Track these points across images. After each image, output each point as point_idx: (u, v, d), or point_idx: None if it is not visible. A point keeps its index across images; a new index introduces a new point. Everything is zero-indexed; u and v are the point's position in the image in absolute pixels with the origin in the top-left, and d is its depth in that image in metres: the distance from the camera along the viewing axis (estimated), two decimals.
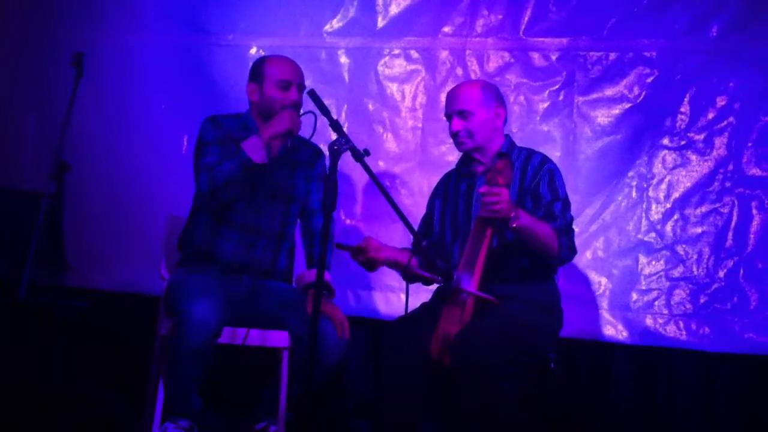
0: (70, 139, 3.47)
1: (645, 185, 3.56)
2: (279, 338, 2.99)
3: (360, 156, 2.62)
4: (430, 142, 3.78)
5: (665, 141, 3.55)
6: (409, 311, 2.90)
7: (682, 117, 3.54)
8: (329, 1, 3.91)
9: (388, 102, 3.84)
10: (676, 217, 3.51)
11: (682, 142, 3.53)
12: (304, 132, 3.05)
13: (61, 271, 4.01)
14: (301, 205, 3.19)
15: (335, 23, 3.91)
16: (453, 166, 3.21)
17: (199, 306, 2.75)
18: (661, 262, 3.51)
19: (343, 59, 3.89)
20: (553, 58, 3.68)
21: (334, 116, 2.72)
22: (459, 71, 3.77)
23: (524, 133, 3.60)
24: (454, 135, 3.00)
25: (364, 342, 3.70)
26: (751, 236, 3.43)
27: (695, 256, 3.48)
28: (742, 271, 3.42)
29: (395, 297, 3.70)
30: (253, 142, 2.93)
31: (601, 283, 3.56)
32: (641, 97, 3.57)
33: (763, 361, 3.38)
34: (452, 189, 3.11)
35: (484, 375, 2.59)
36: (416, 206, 3.65)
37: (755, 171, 3.45)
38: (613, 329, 3.52)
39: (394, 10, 3.85)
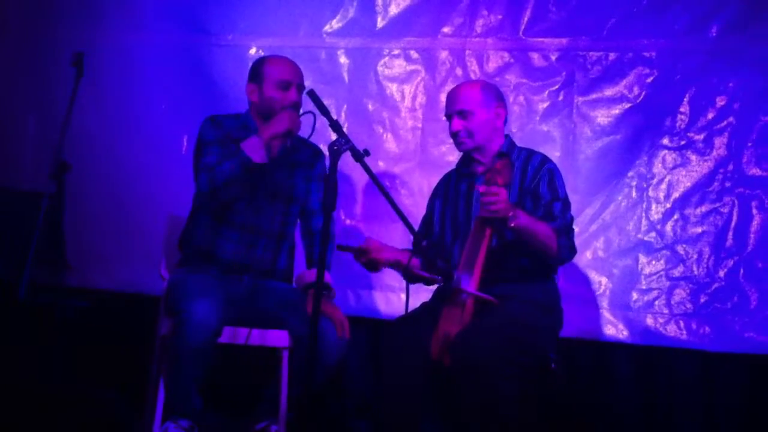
0: (70, 139, 3.47)
1: (645, 185, 3.56)
2: (279, 338, 2.99)
3: (360, 156, 2.62)
4: (430, 142, 3.78)
5: (665, 141, 3.55)
6: (409, 311, 2.90)
7: (682, 117, 3.54)
8: (329, 1, 3.91)
9: (388, 102, 3.84)
10: (676, 216, 3.51)
11: (682, 142, 3.54)
12: (304, 132, 3.05)
13: (61, 271, 4.01)
14: (301, 205, 3.19)
15: (335, 23, 3.91)
16: (453, 167, 3.21)
17: (199, 306, 2.75)
18: (662, 261, 3.51)
19: (343, 59, 3.89)
20: (553, 58, 3.68)
21: (334, 116, 2.72)
22: (459, 71, 3.77)
23: (524, 133, 3.60)
24: (454, 135, 3.00)
25: (365, 342, 3.70)
26: (751, 236, 3.44)
27: (695, 256, 3.48)
28: (742, 271, 3.42)
29: (395, 297, 3.71)
30: (253, 142, 2.93)
31: (601, 282, 3.56)
32: (641, 97, 3.58)
33: (764, 361, 3.38)
34: (452, 189, 3.11)
35: (483, 375, 2.59)
36: (416, 206, 3.65)
37: (755, 171, 3.46)
38: (614, 329, 3.52)
39: (393, 10, 3.85)
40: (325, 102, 2.74)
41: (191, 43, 4.05)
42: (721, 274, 3.45)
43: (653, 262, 3.52)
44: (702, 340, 3.44)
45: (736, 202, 3.46)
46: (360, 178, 3.78)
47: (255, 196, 3.07)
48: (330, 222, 2.59)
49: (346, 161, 2.70)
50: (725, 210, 3.47)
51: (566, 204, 2.93)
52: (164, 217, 3.36)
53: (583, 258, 3.56)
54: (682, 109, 3.54)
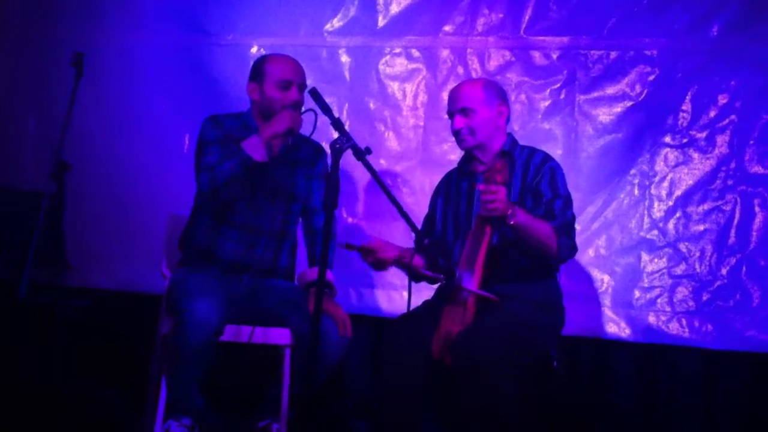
0: (70, 139, 3.47)
1: (647, 183, 3.56)
2: (281, 336, 2.98)
3: (361, 154, 2.62)
4: (432, 140, 3.78)
5: (667, 139, 3.55)
6: (411, 309, 2.90)
7: (684, 115, 3.54)
8: (330, 0, 3.91)
9: (390, 101, 3.84)
10: (678, 214, 3.51)
11: (684, 140, 3.54)
12: (305, 130, 3.05)
13: (62, 270, 4.01)
14: (302, 204, 3.19)
15: (336, 22, 3.91)
16: (454, 165, 3.21)
17: (200, 305, 2.75)
18: (664, 259, 3.51)
19: (344, 58, 3.89)
20: (554, 56, 3.68)
21: (336, 115, 2.71)
22: (460, 70, 3.77)
23: (526, 132, 3.59)
24: (456, 133, 3.00)
25: (366, 340, 3.70)
26: (754, 234, 3.44)
27: (698, 254, 3.48)
28: (744, 269, 3.42)
29: (397, 295, 3.70)
30: (254, 142, 2.93)
31: (603, 280, 3.56)
32: (643, 96, 3.58)
33: (765, 359, 3.38)
34: (454, 188, 3.11)
35: (484, 375, 2.59)
36: (418, 205, 3.64)
37: (757, 169, 3.45)
38: (616, 327, 3.52)
39: (394, 9, 3.85)
40: (327, 100, 2.73)
41: (192, 42, 4.05)
42: (724, 271, 3.45)
43: (655, 260, 3.52)
44: (704, 338, 3.44)
45: (738, 199, 3.46)
46: (362, 176, 3.78)
47: (255, 195, 3.07)
48: (332, 220, 2.59)
49: (348, 159, 2.70)
50: (727, 208, 3.47)
51: (567, 202, 2.92)
52: (165, 217, 3.36)
53: (585, 256, 3.56)
54: (684, 107, 3.54)
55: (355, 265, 3.67)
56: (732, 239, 3.45)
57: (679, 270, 3.49)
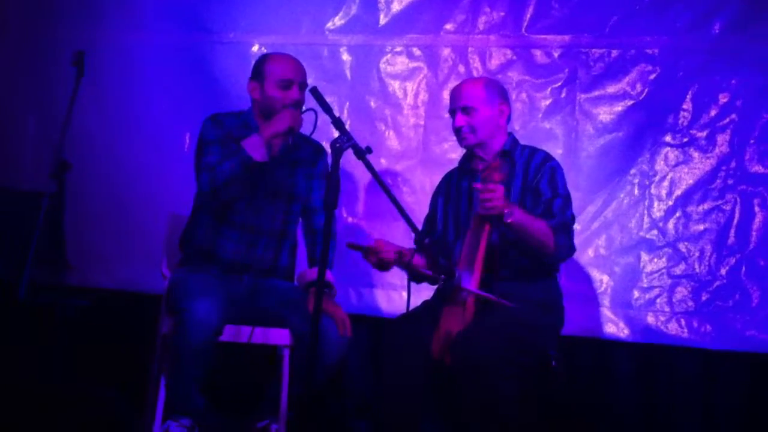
0: (71, 138, 3.47)
1: (647, 182, 3.55)
2: (280, 336, 2.98)
3: (362, 154, 2.62)
4: (432, 139, 3.77)
5: (667, 138, 3.55)
6: (410, 309, 2.90)
7: (685, 114, 3.54)
8: None
9: (390, 99, 3.84)
10: (678, 214, 3.51)
11: (685, 140, 3.53)
12: (306, 129, 3.04)
13: (62, 270, 4.01)
14: (302, 203, 3.19)
15: (337, 21, 3.90)
16: (455, 164, 3.21)
17: (200, 305, 2.75)
18: (663, 259, 3.51)
19: (345, 57, 3.89)
20: (555, 55, 3.68)
21: (336, 114, 2.71)
22: (461, 69, 3.77)
23: (526, 131, 3.59)
24: (457, 130, 3.00)
25: (366, 340, 3.70)
26: (754, 233, 3.43)
27: (697, 254, 3.48)
28: (744, 269, 3.42)
29: (397, 295, 3.70)
30: (254, 141, 2.93)
31: (602, 280, 3.56)
32: (643, 95, 3.57)
33: (765, 359, 3.38)
34: (454, 187, 3.11)
35: (484, 374, 2.59)
36: (418, 204, 3.65)
37: (758, 168, 3.45)
38: (615, 327, 3.52)
39: (396, 7, 3.85)
40: (328, 99, 2.73)
41: (192, 41, 4.05)
42: (723, 271, 3.44)
43: (655, 260, 3.52)
44: (703, 339, 3.43)
45: (738, 199, 3.45)
46: (362, 175, 3.78)
47: (255, 195, 3.07)
48: (332, 220, 2.59)
49: (348, 159, 2.69)
50: (727, 207, 3.46)
51: (567, 201, 2.92)
52: (165, 217, 3.36)
53: (585, 256, 3.56)
54: (684, 107, 3.54)
55: (354, 265, 3.68)
56: (732, 239, 3.44)
57: (679, 270, 3.48)
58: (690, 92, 3.53)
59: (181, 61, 4.06)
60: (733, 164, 3.47)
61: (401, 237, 3.42)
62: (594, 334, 3.53)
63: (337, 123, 2.66)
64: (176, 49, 4.07)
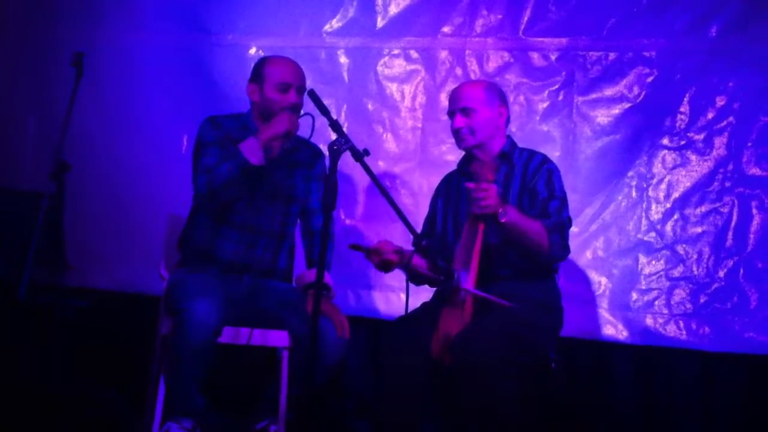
0: (70, 139, 3.47)
1: (645, 185, 3.56)
2: (279, 338, 2.99)
3: (360, 156, 2.62)
4: (430, 142, 3.78)
5: (665, 141, 3.55)
6: (409, 311, 2.91)
7: (682, 117, 3.54)
8: (329, 1, 3.91)
9: (388, 102, 3.84)
10: (676, 216, 3.51)
11: (682, 142, 3.54)
12: (303, 132, 3.05)
13: (61, 271, 4.01)
14: (301, 205, 3.19)
15: (335, 23, 3.91)
16: (453, 166, 3.22)
17: (199, 305, 2.75)
18: (661, 261, 3.51)
19: (343, 59, 3.89)
20: (553, 58, 3.68)
21: (334, 116, 2.72)
22: (458, 71, 3.77)
23: (524, 133, 3.59)
24: (456, 132, 3.01)
25: (364, 342, 3.70)
26: (751, 236, 3.44)
27: (695, 256, 3.48)
28: (742, 271, 3.42)
29: (395, 297, 3.70)
30: (251, 144, 2.93)
31: (601, 282, 3.56)
32: (641, 97, 3.57)
33: (763, 361, 3.38)
34: (454, 188, 3.12)
35: (483, 375, 2.59)
36: (416, 206, 3.66)
37: (755, 171, 3.45)
38: (613, 329, 3.52)
39: (393, 10, 3.85)
40: (325, 102, 2.74)
41: (191, 42, 4.05)
42: (721, 274, 3.45)
43: (653, 262, 3.52)
44: (702, 341, 3.43)
45: (735, 202, 3.46)
46: (360, 177, 3.78)
47: (255, 196, 3.07)
48: (330, 222, 2.60)
49: (346, 161, 2.70)
50: (725, 210, 3.47)
51: (563, 203, 2.93)
52: (164, 217, 3.36)
53: (583, 258, 3.57)
54: (682, 109, 3.54)
55: (353, 267, 3.69)
56: (729, 241, 3.44)
57: (677, 272, 3.49)
58: (687, 95, 3.53)
59: (180, 62, 4.06)
60: (730, 167, 3.47)
61: (399, 239, 3.40)
62: (593, 336, 3.53)
63: (335, 125, 2.67)
64: (175, 49, 4.08)
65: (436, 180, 3.27)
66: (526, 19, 3.71)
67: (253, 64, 3.19)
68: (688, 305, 3.46)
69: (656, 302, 3.49)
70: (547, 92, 3.68)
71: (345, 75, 3.89)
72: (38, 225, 3.43)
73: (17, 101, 4.20)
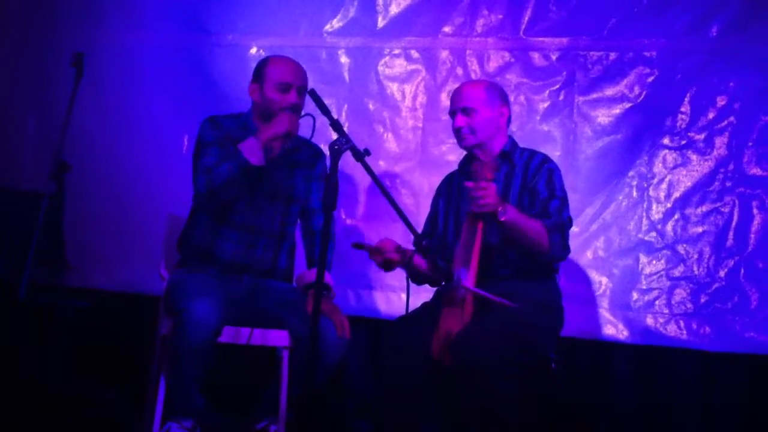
0: (70, 139, 3.46)
1: (645, 185, 3.56)
2: (279, 337, 2.99)
3: (360, 156, 2.62)
4: (431, 141, 3.78)
5: (666, 141, 3.55)
6: (409, 311, 2.91)
7: (683, 117, 3.54)
8: (329, 1, 3.91)
9: (389, 102, 3.84)
10: (676, 216, 3.51)
11: (683, 142, 3.54)
12: (304, 133, 3.05)
13: (61, 271, 4.01)
14: (301, 205, 3.19)
15: (335, 23, 3.91)
16: (453, 166, 3.23)
17: (199, 305, 2.75)
18: (662, 261, 3.51)
19: (344, 59, 3.89)
20: (554, 57, 3.68)
21: (335, 116, 2.72)
22: (459, 71, 3.77)
23: (524, 133, 3.59)
24: (457, 131, 3.01)
25: (365, 342, 3.70)
26: (752, 236, 3.43)
27: (696, 256, 3.48)
28: (742, 271, 3.42)
29: (396, 297, 3.70)
30: (251, 144, 2.93)
31: (601, 282, 3.56)
32: (641, 97, 3.57)
33: (764, 361, 3.38)
34: (455, 188, 3.12)
35: (483, 375, 2.59)
36: (417, 206, 3.66)
37: (756, 170, 3.45)
38: (614, 329, 3.52)
39: (394, 10, 3.85)
40: (326, 101, 2.73)
41: (191, 42, 4.05)
42: (722, 274, 3.45)
43: (654, 262, 3.52)
44: (702, 340, 3.43)
45: (736, 201, 3.46)
46: (361, 177, 3.78)
47: (255, 196, 3.07)
48: (330, 221, 2.59)
49: (347, 161, 2.70)
50: (726, 210, 3.47)
51: (564, 203, 2.93)
52: (164, 217, 3.36)
53: (584, 257, 3.57)
54: (682, 109, 3.54)
55: (353, 267, 3.69)
56: (730, 241, 3.44)
57: (678, 272, 3.49)
58: (688, 95, 3.53)
59: (181, 61, 4.06)
60: (731, 167, 3.47)
61: (400, 239, 3.38)
62: (593, 336, 3.53)
63: (336, 125, 2.67)
64: (175, 49, 4.07)
65: (436, 180, 3.27)
66: (526, 19, 3.71)
67: (253, 64, 3.19)
68: (689, 305, 3.46)
69: (657, 302, 3.49)
70: (547, 92, 3.68)
71: (346, 75, 3.89)
72: (38, 225, 3.43)
73: (17, 101, 4.20)
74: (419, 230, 2.99)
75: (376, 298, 3.76)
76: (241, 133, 3.04)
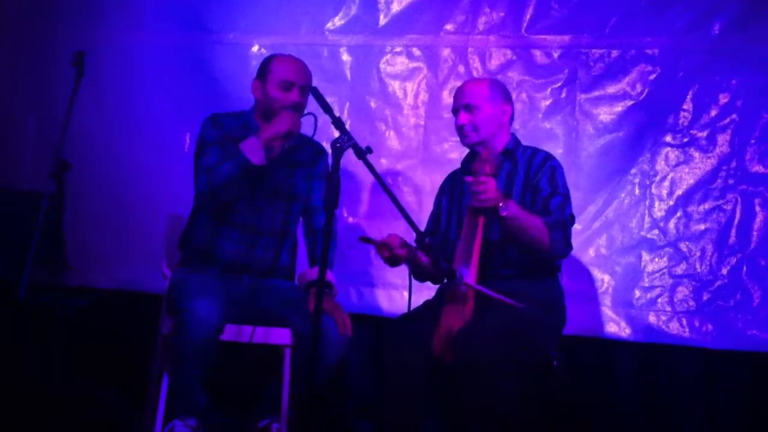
0: (71, 138, 3.46)
1: (648, 182, 3.55)
2: (281, 336, 2.98)
3: (362, 153, 2.61)
4: (433, 139, 3.78)
5: (668, 138, 3.55)
6: (411, 309, 2.90)
7: (685, 114, 3.54)
8: None
9: (391, 100, 3.84)
10: (679, 214, 3.51)
11: (685, 140, 3.53)
12: (306, 131, 3.05)
13: (61, 270, 4.00)
14: (303, 203, 3.18)
15: (337, 21, 3.91)
16: (455, 164, 3.22)
17: (200, 304, 2.76)
18: (664, 259, 3.51)
19: (345, 57, 3.89)
20: (555, 55, 3.68)
21: (336, 114, 2.71)
22: (461, 69, 3.77)
23: (526, 131, 3.59)
24: (459, 128, 3.01)
25: (367, 340, 3.69)
26: (754, 233, 3.43)
27: (698, 253, 3.48)
28: (745, 268, 3.42)
29: (398, 294, 3.70)
30: (252, 144, 2.93)
31: (604, 280, 3.56)
32: (644, 95, 3.57)
33: (766, 358, 3.38)
34: (458, 186, 3.11)
35: (485, 373, 2.58)
36: (419, 204, 3.66)
37: (758, 168, 3.45)
38: (616, 326, 3.52)
39: (395, 7, 3.85)
40: (328, 99, 2.72)
41: (192, 41, 4.05)
42: (724, 271, 3.44)
43: (656, 260, 3.52)
44: (704, 338, 3.43)
45: (739, 199, 3.46)
46: (363, 175, 3.77)
47: (256, 195, 3.07)
48: (332, 220, 2.59)
49: (349, 159, 2.69)
50: (728, 207, 3.47)
51: (566, 200, 2.92)
52: (165, 217, 3.36)
53: (586, 255, 3.56)
54: (684, 107, 3.54)
55: (355, 265, 3.68)
56: (732, 239, 3.44)
57: (680, 270, 3.48)
58: (690, 92, 3.53)
59: (181, 61, 4.06)
60: (733, 164, 3.47)
61: (402, 236, 3.41)
62: (595, 334, 3.53)
63: (338, 123, 2.65)
64: (176, 49, 4.07)
65: (438, 177, 3.27)
66: (528, 16, 3.71)
67: (254, 63, 3.20)
68: (691, 303, 3.46)
69: (659, 300, 3.49)
70: (549, 90, 3.68)
71: (347, 73, 3.88)
72: (38, 225, 3.43)
73: (17, 101, 4.19)
74: (421, 228, 2.98)
75: (378, 295, 3.75)
76: (242, 132, 3.04)
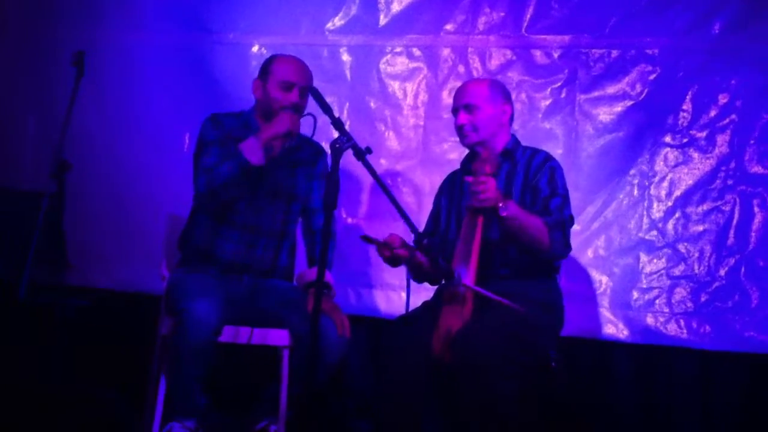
0: (71, 138, 3.47)
1: (647, 183, 3.55)
2: (279, 337, 2.98)
3: (362, 154, 2.62)
4: (432, 140, 3.77)
5: (667, 138, 3.55)
6: (410, 310, 2.91)
7: (684, 114, 3.54)
8: None
9: (390, 100, 3.84)
10: (677, 215, 3.51)
11: (684, 140, 3.53)
12: (305, 132, 3.05)
13: (62, 270, 4.01)
14: (302, 204, 3.19)
15: (337, 21, 3.91)
16: (455, 164, 3.23)
17: (199, 305, 2.76)
18: (663, 260, 3.50)
19: (345, 57, 3.89)
20: (555, 55, 3.68)
21: (336, 114, 2.71)
22: (461, 69, 3.77)
23: (526, 131, 3.59)
24: (459, 128, 3.01)
25: (365, 341, 3.70)
26: (753, 234, 3.43)
27: (696, 255, 3.47)
28: (743, 270, 3.41)
29: (396, 295, 3.70)
30: (251, 144, 2.93)
31: (602, 281, 3.56)
32: (643, 95, 3.57)
33: (764, 360, 3.37)
34: (457, 187, 3.11)
35: (484, 374, 2.58)
36: (418, 204, 3.66)
37: (757, 169, 3.45)
38: (614, 328, 3.51)
39: (396, 7, 3.85)
40: (327, 100, 2.72)
41: (192, 41, 4.05)
42: (722, 272, 3.44)
43: (654, 261, 3.51)
44: (702, 339, 3.43)
45: (737, 200, 3.45)
46: (362, 176, 3.76)
47: (256, 195, 3.07)
48: (331, 220, 2.59)
49: (348, 159, 2.69)
50: (727, 208, 3.46)
51: (565, 201, 2.92)
52: (164, 217, 3.36)
53: (584, 256, 3.56)
54: (684, 107, 3.54)
55: (354, 266, 3.68)
56: (731, 240, 3.44)
57: (678, 271, 3.48)
58: (690, 93, 3.53)
59: (181, 61, 4.06)
60: (732, 165, 3.47)
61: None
62: (593, 335, 3.52)
63: (337, 123, 2.65)
64: (176, 49, 4.07)
65: (437, 178, 3.27)
66: (528, 16, 3.70)
67: (255, 63, 3.20)
68: (689, 304, 3.45)
69: (657, 301, 3.49)
70: (549, 90, 3.67)
71: (347, 73, 3.88)
72: (38, 225, 3.44)
73: (17, 101, 4.20)
74: (421, 229, 2.98)
75: (377, 296, 3.75)
76: (242, 132, 3.04)
